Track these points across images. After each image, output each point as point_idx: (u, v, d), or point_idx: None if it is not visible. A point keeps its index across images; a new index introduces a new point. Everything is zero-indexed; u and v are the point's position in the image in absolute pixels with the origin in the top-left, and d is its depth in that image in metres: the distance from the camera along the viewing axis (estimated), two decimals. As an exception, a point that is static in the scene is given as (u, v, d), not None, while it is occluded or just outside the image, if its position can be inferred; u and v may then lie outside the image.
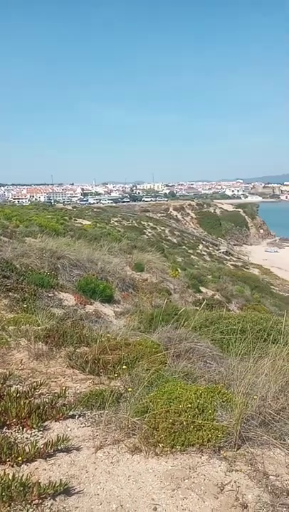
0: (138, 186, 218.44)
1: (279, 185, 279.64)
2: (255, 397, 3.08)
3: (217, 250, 72.38)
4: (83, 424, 3.09)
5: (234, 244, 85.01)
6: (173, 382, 3.32)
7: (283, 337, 7.40)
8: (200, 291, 21.14)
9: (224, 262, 60.74)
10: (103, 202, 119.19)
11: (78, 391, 3.69)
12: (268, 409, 3.03)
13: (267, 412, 3.00)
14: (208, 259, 59.30)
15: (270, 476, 2.40)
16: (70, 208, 79.71)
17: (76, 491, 2.35)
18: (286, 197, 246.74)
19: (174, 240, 67.73)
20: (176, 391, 3.08)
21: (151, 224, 73.77)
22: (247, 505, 2.19)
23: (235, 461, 2.56)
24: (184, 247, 63.48)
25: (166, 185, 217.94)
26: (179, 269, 24.47)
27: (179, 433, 2.74)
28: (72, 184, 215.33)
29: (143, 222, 72.61)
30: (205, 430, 2.74)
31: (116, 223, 61.72)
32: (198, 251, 64.81)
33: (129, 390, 3.35)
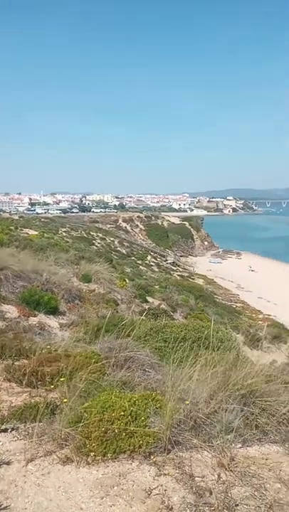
0: (87, 197, 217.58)
1: (222, 199, 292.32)
2: (187, 402, 3.19)
3: (165, 261, 73.60)
4: (16, 438, 3.02)
5: (181, 256, 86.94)
6: (108, 392, 3.36)
7: (222, 343, 7.71)
8: (147, 301, 21.34)
9: (171, 272, 61.87)
10: (51, 212, 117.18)
11: (13, 404, 3.61)
12: (199, 413, 3.15)
13: (198, 416, 3.12)
14: (156, 269, 60.11)
15: (196, 478, 2.50)
16: (16, 217, 77.39)
17: (3, 506, 2.30)
18: (228, 211, 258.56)
19: (123, 251, 68.03)
20: (110, 400, 3.12)
21: (100, 235, 73.56)
22: (172, 508, 2.26)
23: (164, 466, 2.64)
24: (132, 257, 63.96)
25: (116, 197, 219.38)
26: (127, 280, 24.56)
27: (111, 441, 2.77)
28: (20, 194, 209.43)
29: (92, 233, 72.25)
30: (137, 437, 2.80)
31: (64, 234, 60.82)
32: (147, 262, 65.56)
33: (65, 401, 3.34)
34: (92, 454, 2.71)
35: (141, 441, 2.77)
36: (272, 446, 3.00)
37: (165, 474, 2.54)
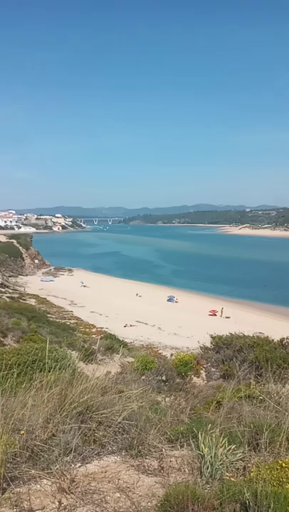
0: None
1: (51, 216, 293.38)
2: (22, 432, 3.00)
3: (-9, 283, 68.51)
4: None
5: (9, 276, 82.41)
6: None
7: (57, 363, 7.59)
8: (-28, 329, 19.39)
9: None
10: None
11: None
12: (36, 440, 3.00)
13: (35, 444, 2.97)
14: (-19, 293, 55.32)
15: (36, 511, 2.36)
16: None
17: None
18: (58, 228, 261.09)
19: None
20: None
21: None
22: None
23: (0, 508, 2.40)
24: None
25: None
26: None
27: None
28: None
29: None
30: None
31: None
32: None
33: None
34: None
35: None
36: (111, 457, 3.08)
37: (1, 518, 2.32)
